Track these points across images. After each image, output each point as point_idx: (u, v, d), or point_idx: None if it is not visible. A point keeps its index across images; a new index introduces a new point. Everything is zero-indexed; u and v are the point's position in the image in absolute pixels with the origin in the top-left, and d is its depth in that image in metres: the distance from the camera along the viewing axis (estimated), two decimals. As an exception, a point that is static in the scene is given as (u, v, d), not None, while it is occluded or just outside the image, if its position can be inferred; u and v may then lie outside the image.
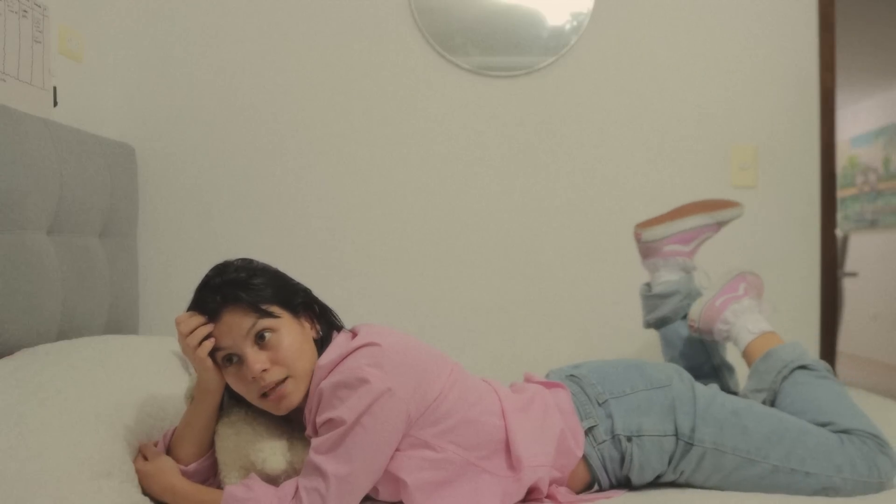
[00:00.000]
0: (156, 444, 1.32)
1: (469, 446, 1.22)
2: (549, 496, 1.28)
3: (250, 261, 1.30)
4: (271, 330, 1.21)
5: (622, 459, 1.32)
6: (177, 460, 1.28)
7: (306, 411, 1.24)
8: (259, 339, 1.20)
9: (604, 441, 1.31)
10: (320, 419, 1.18)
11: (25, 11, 1.71)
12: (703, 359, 1.76)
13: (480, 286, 2.26)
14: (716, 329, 1.65)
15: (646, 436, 1.31)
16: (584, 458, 1.32)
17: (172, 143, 2.24)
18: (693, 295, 1.78)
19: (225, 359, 1.22)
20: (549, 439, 1.28)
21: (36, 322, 1.52)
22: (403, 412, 1.18)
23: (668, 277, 1.79)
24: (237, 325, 1.20)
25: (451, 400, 1.24)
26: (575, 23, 2.26)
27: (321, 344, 1.28)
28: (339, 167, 2.26)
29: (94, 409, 1.26)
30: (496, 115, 2.27)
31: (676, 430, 1.31)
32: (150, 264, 2.22)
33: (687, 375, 1.41)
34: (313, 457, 1.15)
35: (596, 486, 1.34)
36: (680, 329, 1.79)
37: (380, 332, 1.25)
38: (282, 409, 1.22)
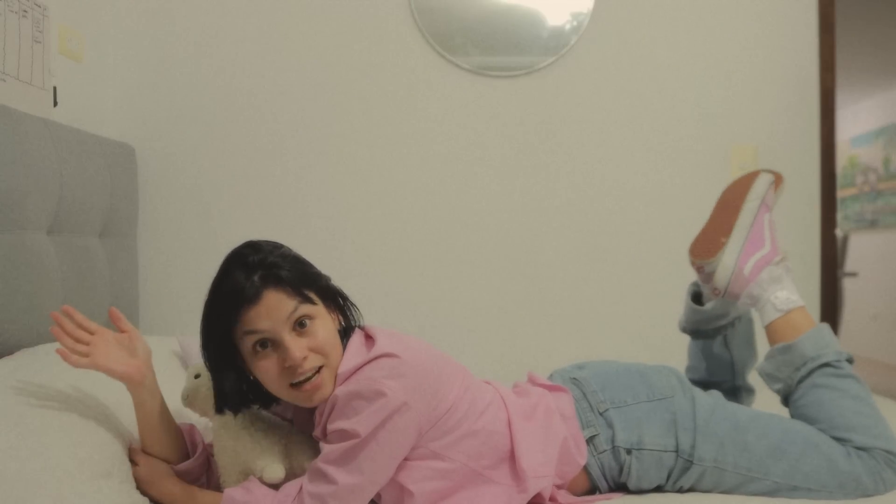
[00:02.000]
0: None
1: (476, 456, 1.22)
2: (548, 497, 1.28)
3: (279, 244, 1.24)
4: (310, 317, 1.16)
5: (621, 470, 1.31)
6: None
7: (317, 413, 1.21)
8: (299, 325, 1.15)
9: (604, 451, 1.30)
10: (332, 427, 1.15)
11: (25, 11, 1.71)
12: (726, 377, 1.69)
13: (480, 286, 2.26)
14: (741, 302, 1.53)
15: (646, 449, 1.29)
16: (585, 468, 1.31)
17: (172, 143, 2.24)
18: (743, 317, 1.64)
19: (258, 344, 1.15)
20: (553, 447, 1.27)
21: (36, 322, 1.51)
22: (416, 426, 1.16)
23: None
24: (278, 308, 1.14)
25: (462, 411, 1.23)
26: (575, 23, 2.26)
27: (342, 337, 1.24)
28: (339, 167, 2.26)
29: (94, 409, 1.26)
30: (496, 115, 2.27)
31: (677, 446, 1.29)
32: (150, 264, 2.22)
33: (688, 385, 1.39)
34: (322, 465, 1.13)
35: (596, 494, 1.33)
36: (713, 345, 1.68)
37: (397, 340, 1.21)
38: (314, 401, 1.17)
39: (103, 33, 2.15)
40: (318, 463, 1.14)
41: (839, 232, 5.23)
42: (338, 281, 2.22)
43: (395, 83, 2.26)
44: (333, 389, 1.17)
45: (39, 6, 1.77)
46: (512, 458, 1.23)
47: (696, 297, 1.66)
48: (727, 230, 1.53)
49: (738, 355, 1.67)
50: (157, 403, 1.24)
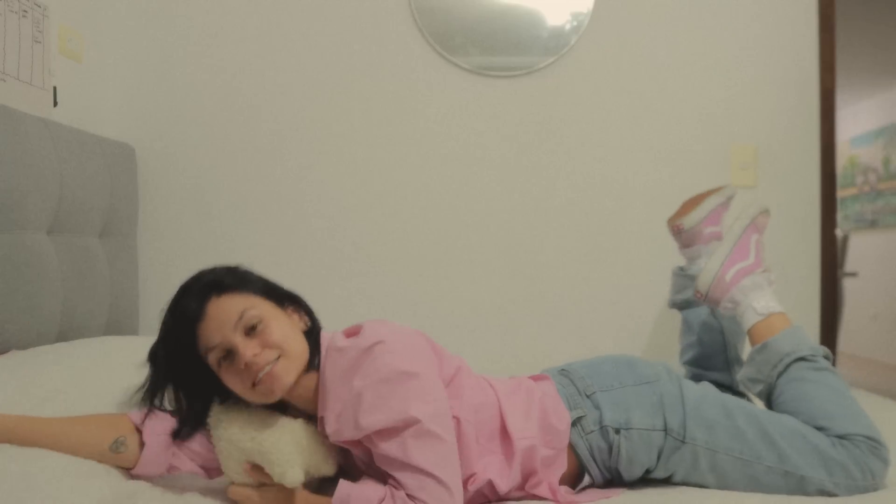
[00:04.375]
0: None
1: (475, 423, 1.28)
2: (550, 490, 1.29)
3: (232, 265, 1.29)
4: (259, 319, 1.19)
5: (610, 450, 1.33)
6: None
7: (321, 421, 1.23)
8: (250, 330, 1.19)
9: (592, 431, 1.33)
10: (373, 424, 1.16)
11: (25, 11, 1.71)
12: (717, 349, 1.77)
13: (480, 286, 2.26)
14: (722, 306, 1.61)
15: (634, 429, 1.32)
16: (573, 448, 1.34)
17: (172, 143, 2.24)
18: None
19: (222, 358, 1.19)
20: (534, 415, 1.32)
21: (36, 322, 1.52)
22: (437, 384, 1.22)
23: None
24: (224, 317, 1.18)
25: (453, 379, 1.30)
26: (575, 23, 2.26)
27: (309, 337, 1.28)
28: (339, 167, 2.26)
29: (94, 409, 1.26)
30: (496, 115, 2.27)
31: (665, 425, 1.32)
32: (150, 264, 2.22)
33: (675, 374, 1.42)
34: (419, 470, 1.14)
35: (587, 477, 1.34)
36: (702, 314, 1.79)
37: (381, 327, 1.26)
38: (276, 393, 1.20)
39: (103, 33, 2.15)
40: (413, 470, 1.15)
41: (839, 232, 5.23)
42: (338, 281, 2.25)
43: (395, 83, 2.26)
44: (295, 380, 1.20)
45: (39, 6, 1.77)
46: (504, 430, 1.29)
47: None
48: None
49: (727, 323, 1.76)
50: (48, 431, 1.15)
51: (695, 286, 1.63)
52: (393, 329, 1.25)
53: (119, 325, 1.96)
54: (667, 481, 1.36)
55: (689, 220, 1.83)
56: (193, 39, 2.25)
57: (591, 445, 1.33)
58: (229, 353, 1.19)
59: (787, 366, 1.43)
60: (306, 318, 1.30)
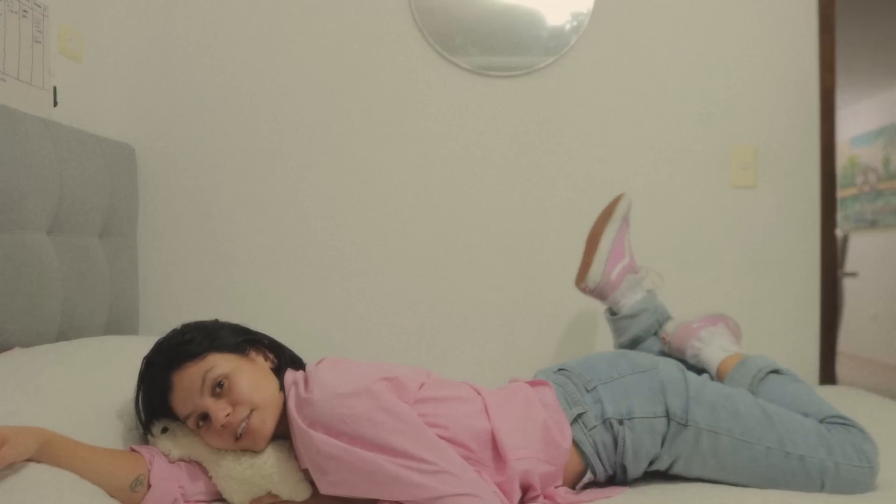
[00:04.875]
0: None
1: (460, 433, 1.24)
2: (547, 497, 1.28)
3: (183, 325, 1.31)
4: (223, 376, 1.22)
5: (615, 444, 1.34)
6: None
7: (295, 442, 1.22)
8: (217, 387, 1.21)
9: (594, 426, 1.33)
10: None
11: (25, 11, 1.71)
12: (687, 365, 1.77)
13: (480, 286, 2.26)
14: (689, 345, 1.72)
15: (636, 418, 1.33)
16: (577, 446, 1.34)
17: (172, 143, 2.24)
18: (660, 310, 1.85)
19: (198, 420, 1.23)
20: (533, 430, 1.30)
21: (36, 322, 1.52)
22: (390, 390, 1.22)
23: (632, 299, 1.84)
24: (188, 386, 1.22)
25: (431, 390, 1.28)
26: (575, 23, 2.26)
27: (279, 372, 1.30)
28: (339, 167, 2.26)
29: (94, 409, 1.27)
30: (496, 115, 2.27)
31: (667, 411, 1.33)
32: (150, 264, 2.22)
33: (675, 361, 1.45)
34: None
35: (590, 473, 1.34)
36: (653, 346, 1.83)
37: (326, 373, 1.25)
38: (260, 444, 1.23)
39: (103, 33, 2.15)
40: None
41: (839, 232, 5.23)
42: (338, 281, 2.25)
43: (395, 83, 2.26)
44: (275, 424, 1.23)
45: (39, 6, 1.78)
46: (494, 443, 1.25)
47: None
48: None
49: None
50: (81, 454, 1.15)
51: (662, 332, 1.77)
52: (336, 368, 1.26)
53: (119, 325, 1.96)
54: (667, 475, 1.37)
55: (591, 279, 1.84)
56: (193, 39, 2.25)
57: (595, 441, 1.33)
58: (205, 417, 1.22)
59: (767, 373, 1.52)
60: (272, 357, 1.33)
